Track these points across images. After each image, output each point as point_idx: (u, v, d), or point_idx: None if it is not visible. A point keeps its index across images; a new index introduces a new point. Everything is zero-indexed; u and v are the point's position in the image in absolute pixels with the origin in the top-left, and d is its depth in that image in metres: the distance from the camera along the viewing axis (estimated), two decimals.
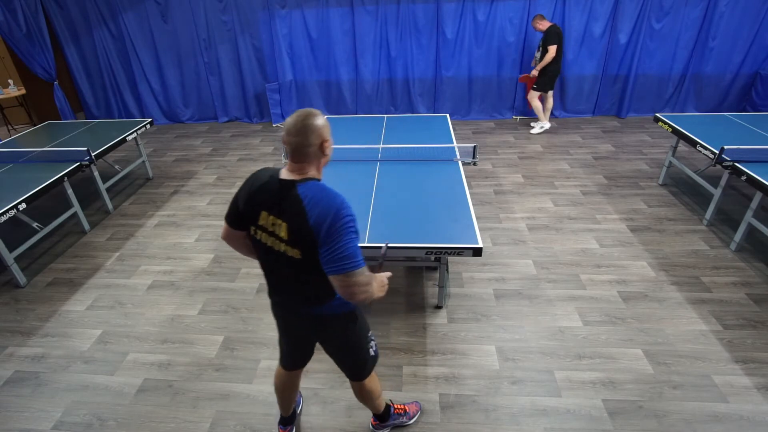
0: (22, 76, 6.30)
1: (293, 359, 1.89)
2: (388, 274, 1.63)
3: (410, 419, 2.17)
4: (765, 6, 5.45)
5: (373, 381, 1.86)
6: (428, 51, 6.15)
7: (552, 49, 5.18)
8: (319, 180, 1.44)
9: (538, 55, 5.43)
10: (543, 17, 5.31)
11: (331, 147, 1.48)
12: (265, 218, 1.42)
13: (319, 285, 1.47)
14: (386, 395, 2.31)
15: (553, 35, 5.17)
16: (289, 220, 1.36)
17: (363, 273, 1.36)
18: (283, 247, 1.41)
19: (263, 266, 1.57)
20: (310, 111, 1.39)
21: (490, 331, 2.71)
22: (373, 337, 1.79)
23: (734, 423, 2.11)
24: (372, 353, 1.78)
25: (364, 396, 1.90)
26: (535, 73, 5.42)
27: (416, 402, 2.25)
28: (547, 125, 5.84)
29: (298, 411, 2.25)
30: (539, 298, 2.96)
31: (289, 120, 1.38)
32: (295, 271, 1.45)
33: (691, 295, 2.92)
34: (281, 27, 6.08)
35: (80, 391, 2.42)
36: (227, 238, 1.60)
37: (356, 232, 1.37)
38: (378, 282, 1.53)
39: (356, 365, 1.78)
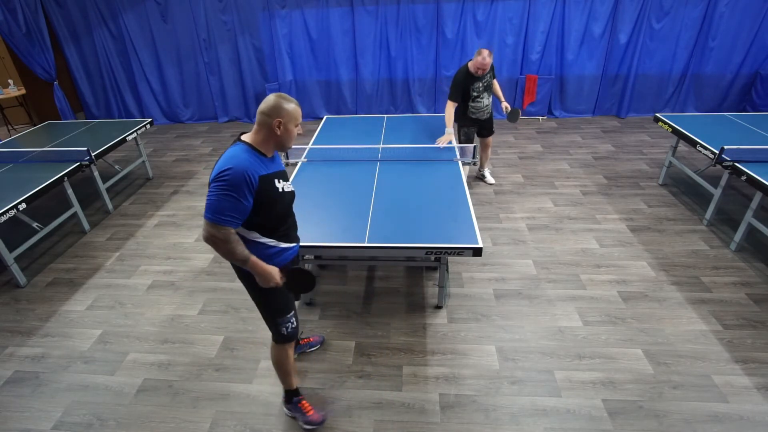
0: (22, 76, 6.30)
1: None
2: (276, 280, 1.77)
3: (305, 423, 2.16)
4: (765, 6, 5.45)
5: (280, 354, 2.05)
6: (428, 51, 6.16)
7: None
8: (251, 146, 1.66)
9: (488, 101, 4.03)
10: None
11: (287, 131, 1.67)
12: None
13: None
14: (386, 395, 2.31)
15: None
16: None
17: (218, 229, 1.57)
18: None
19: None
20: (285, 95, 1.66)
21: (490, 331, 2.71)
22: (283, 321, 1.95)
23: (734, 423, 2.11)
24: (284, 332, 1.97)
25: (272, 361, 2.11)
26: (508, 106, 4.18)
27: (326, 413, 2.23)
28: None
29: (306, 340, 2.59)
30: (539, 298, 2.96)
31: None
32: None
33: (691, 295, 2.92)
34: (281, 27, 6.09)
35: (80, 391, 2.42)
36: None
37: (228, 192, 1.54)
38: (261, 270, 1.71)
39: (266, 323, 2.01)
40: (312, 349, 2.61)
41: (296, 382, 2.20)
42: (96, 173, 4.06)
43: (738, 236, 3.30)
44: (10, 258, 3.18)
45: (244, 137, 1.70)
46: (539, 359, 2.50)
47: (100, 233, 3.95)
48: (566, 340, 2.62)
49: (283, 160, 3.40)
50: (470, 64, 3.80)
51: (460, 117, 4.09)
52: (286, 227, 1.85)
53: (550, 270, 3.22)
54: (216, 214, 1.56)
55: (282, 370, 2.11)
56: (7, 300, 3.16)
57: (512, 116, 4.11)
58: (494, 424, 2.15)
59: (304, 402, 2.19)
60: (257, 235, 1.75)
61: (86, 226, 3.98)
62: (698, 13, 5.59)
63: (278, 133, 1.65)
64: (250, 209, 1.63)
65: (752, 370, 2.37)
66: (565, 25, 5.80)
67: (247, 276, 1.83)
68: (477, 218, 2.90)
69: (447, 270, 2.96)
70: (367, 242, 2.39)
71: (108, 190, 4.43)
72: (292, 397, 2.19)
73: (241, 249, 1.66)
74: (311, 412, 2.17)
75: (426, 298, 3.00)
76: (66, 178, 3.61)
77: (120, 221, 4.14)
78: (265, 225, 1.75)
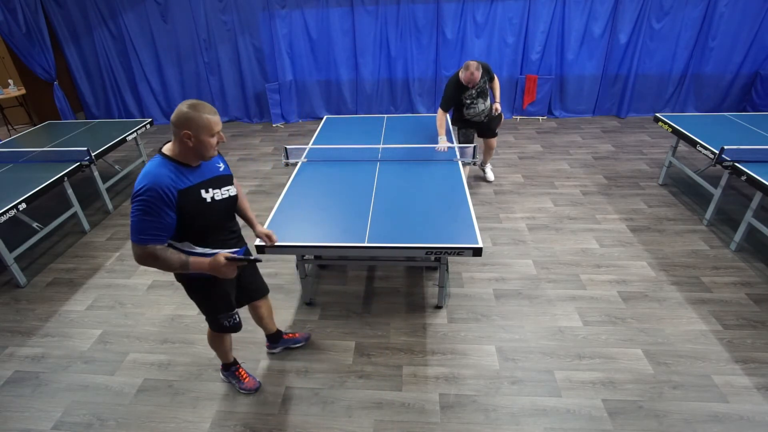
0: (22, 76, 6.30)
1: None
2: (226, 270, 1.69)
3: (241, 388, 2.37)
4: (765, 6, 5.45)
5: (215, 339, 2.19)
6: (428, 51, 6.15)
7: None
8: (170, 158, 1.61)
9: (483, 106, 3.93)
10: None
11: (200, 143, 1.58)
12: None
13: None
14: (386, 395, 2.31)
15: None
16: None
17: (142, 248, 1.55)
18: None
19: None
20: (198, 104, 1.54)
21: (490, 331, 2.71)
22: (225, 317, 2.02)
23: (734, 423, 2.11)
24: (226, 324, 2.04)
25: (209, 344, 2.25)
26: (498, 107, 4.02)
27: (259, 381, 2.42)
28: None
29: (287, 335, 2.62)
30: (539, 298, 2.96)
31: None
32: None
33: (691, 295, 2.92)
34: (281, 27, 6.08)
35: (80, 391, 2.42)
36: None
37: (145, 212, 1.52)
38: (208, 267, 1.66)
39: (206, 318, 2.07)
40: (296, 345, 2.62)
41: (231, 357, 2.35)
42: (96, 173, 4.06)
43: (738, 236, 3.30)
44: (10, 258, 3.18)
45: (164, 148, 1.63)
46: (539, 359, 2.50)
47: (100, 233, 3.95)
48: (566, 340, 2.62)
49: (283, 161, 3.40)
50: (460, 76, 3.67)
51: (459, 119, 4.07)
52: (220, 234, 1.79)
53: (550, 270, 3.22)
54: (138, 235, 1.54)
55: (219, 350, 2.28)
56: (7, 300, 3.16)
57: (494, 121, 4.13)
58: (494, 424, 2.16)
59: (240, 370, 2.39)
60: (189, 245, 1.72)
61: (86, 226, 3.98)
62: (698, 13, 5.59)
63: (190, 145, 1.57)
64: (175, 223, 1.60)
65: (752, 370, 2.37)
66: (565, 25, 5.80)
67: (183, 278, 1.85)
68: (477, 218, 2.90)
69: (447, 270, 2.96)
70: (367, 242, 2.39)
71: (108, 190, 4.43)
72: (229, 367, 2.37)
73: (176, 257, 1.61)
74: (247, 380, 2.37)
75: (426, 298, 3.00)
76: (66, 178, 3.61)
77: (120, 221, 4.14)
78: (195, 236, 1.71)
